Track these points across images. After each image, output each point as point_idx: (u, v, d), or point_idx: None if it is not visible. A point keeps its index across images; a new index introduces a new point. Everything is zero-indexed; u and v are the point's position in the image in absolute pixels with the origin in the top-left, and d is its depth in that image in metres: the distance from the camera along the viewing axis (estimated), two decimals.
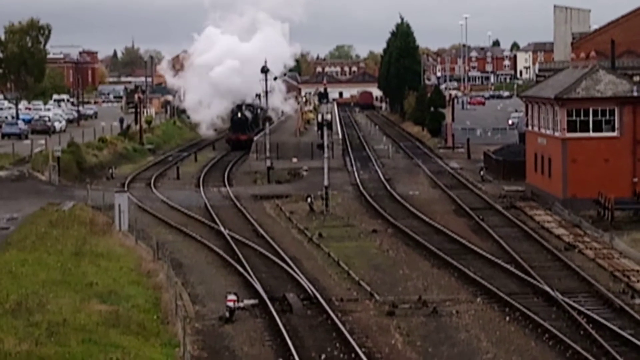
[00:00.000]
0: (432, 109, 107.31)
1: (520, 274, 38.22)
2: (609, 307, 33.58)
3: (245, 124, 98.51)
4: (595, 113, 54.00)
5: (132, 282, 35.79)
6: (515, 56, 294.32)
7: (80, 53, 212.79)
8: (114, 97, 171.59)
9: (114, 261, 39.00)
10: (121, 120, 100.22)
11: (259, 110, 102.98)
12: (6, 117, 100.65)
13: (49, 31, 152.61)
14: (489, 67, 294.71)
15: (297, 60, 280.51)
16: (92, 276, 35.37)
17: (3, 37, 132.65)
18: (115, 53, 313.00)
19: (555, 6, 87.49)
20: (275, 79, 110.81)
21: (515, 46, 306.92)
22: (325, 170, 57.09)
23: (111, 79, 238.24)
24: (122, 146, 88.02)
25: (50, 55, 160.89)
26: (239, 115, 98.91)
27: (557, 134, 55.19)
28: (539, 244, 44.72)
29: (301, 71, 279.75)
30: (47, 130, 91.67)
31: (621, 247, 43.40)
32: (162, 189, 66.01)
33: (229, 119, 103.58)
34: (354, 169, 75.99)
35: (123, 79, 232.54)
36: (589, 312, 32.26)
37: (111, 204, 48.90)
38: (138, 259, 40.25)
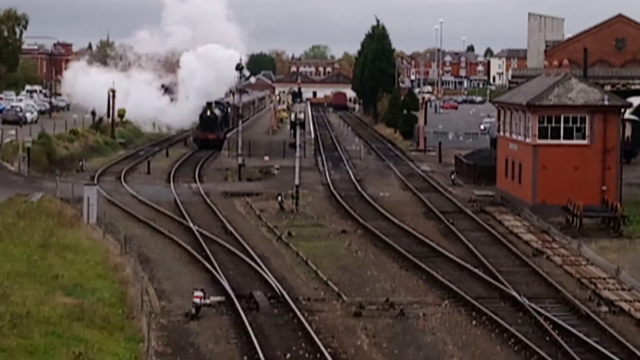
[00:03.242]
0: (405, 111, 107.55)
1: (488, 278, 38.26)
2: (576, 314, 33.67)
3: (214, 122, 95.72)
4: (566, 120, 54.24)
5: (98, 275, 35.58)
6: (489, 62, 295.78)
7: (54, 45, 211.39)
8: None
9: (81, 254, 38.74)
10: (93, 113, 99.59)
11: (229, 109, 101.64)
12: None
13: (26, 22, 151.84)
14: (462, 72, 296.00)
15: (272, 59, 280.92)
16: (58, 269, 35.13)
17: None
18: (90, 46, 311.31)
19: (529, 14, 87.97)
20: (249, 77, 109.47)
21: (489, 52, 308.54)
22: (297, 170, 57.01)
23: None
24: (93, 139, 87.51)
25: (24, 46, 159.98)
26: (208, 113, 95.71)
27: (528, 140, 55.36)
28: (507, 249, 44.81)
29: (276, 70, 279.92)
30: (18, 121, 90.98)
31: (589, 254, 43.55)
32: (132, 183, 65.68)
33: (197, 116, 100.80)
34: (326, 169, 75.93)
35: None
36: (555, 319, 32.33)
37: (80, 196, 48.59)
38: (105, 253, 40.01)
